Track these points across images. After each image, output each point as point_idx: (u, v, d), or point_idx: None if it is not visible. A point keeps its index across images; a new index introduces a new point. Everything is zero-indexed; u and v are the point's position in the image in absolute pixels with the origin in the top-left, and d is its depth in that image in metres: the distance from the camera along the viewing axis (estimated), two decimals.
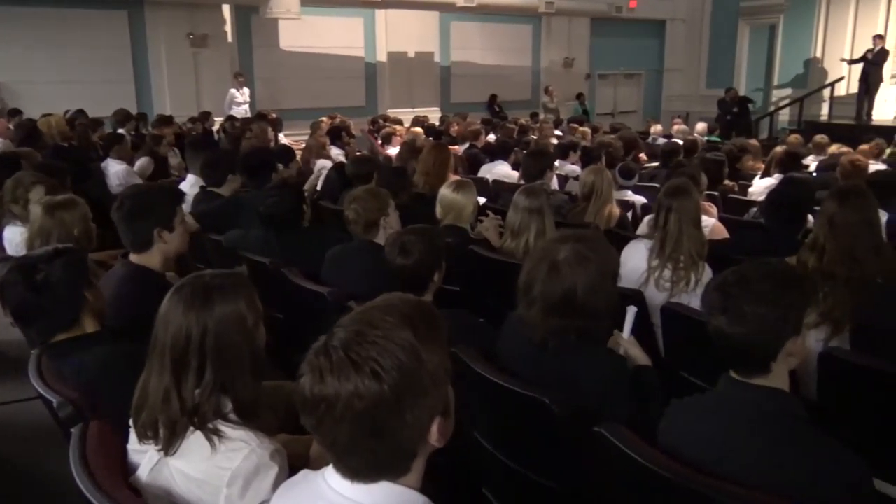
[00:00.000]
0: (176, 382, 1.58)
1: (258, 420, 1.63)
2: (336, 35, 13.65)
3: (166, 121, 8.72)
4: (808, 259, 2.67)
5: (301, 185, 4.87)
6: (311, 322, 2.78)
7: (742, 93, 15.41)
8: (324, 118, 9.86)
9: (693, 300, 2.82)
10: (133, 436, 1.65)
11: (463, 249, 3.45)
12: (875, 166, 6.20)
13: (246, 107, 11.92)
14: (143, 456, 1.63)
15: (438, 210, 3.75)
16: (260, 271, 3.16)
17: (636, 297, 2.88)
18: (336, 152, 7.48)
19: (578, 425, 1.76)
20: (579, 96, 16.16)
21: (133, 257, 2.60)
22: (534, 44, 16.65)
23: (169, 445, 1.56)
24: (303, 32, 13.09)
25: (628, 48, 17.49)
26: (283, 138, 9.93)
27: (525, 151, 6.21)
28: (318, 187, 5.96)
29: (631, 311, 2.25)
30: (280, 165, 5.14)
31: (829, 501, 1.44)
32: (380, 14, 14.21)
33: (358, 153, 7.08)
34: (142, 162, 6.84)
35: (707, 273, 2.94)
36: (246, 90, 12.11)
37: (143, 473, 1.61)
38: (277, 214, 3.44)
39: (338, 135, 7.98)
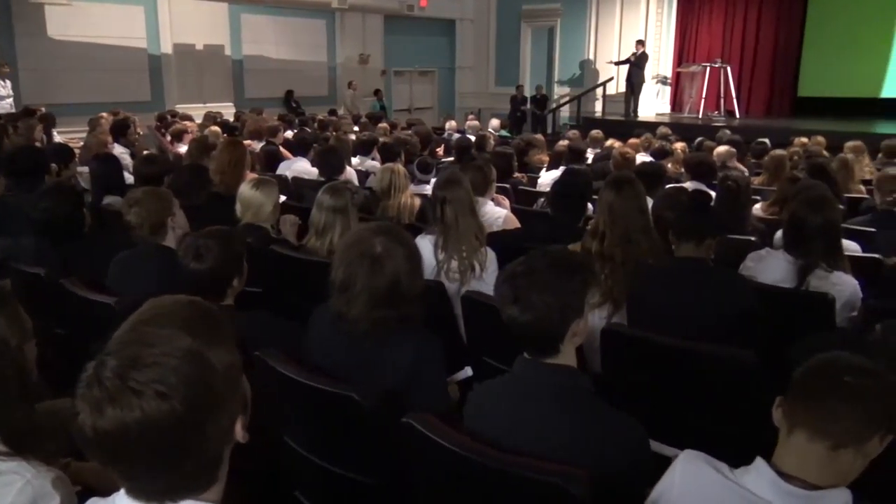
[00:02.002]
0: None
1: (35, 448, 1.47)
2: (114, 24, 12.60)
3: None
4: (591, 244, 2.91)
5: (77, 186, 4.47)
6: (99, 335, 2.56)
7: (528, 92, 16.51)
8: (104, 114, 9.09)
9: (482, 286, 2.95)
10: None
11: (263, 249, 3.35)
12: (642, 158, 6.90)
13: (10, 101, 10.67)
14: None
15: (238, 208, 3.62)
16: (34, 283, 2.85)
17: (437, 287, 2.97)
18: (120, 151, 6.92)
19: (388, 417, 1.79)
20: (377, 92, 16.33)
21: None
22: (329, 39, 16.53)
23: None
24: (74, 20, 11.96)
25: (421, 46, 17.93)
26: (57, 136, 9.02)
27: (320, 148, 6.18)
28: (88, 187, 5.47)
29: (466, 372, 2.35)
30: (54, 166, 4.67)
31: (615, 464, 1.58)
32: (162, 3, 13.35)
33: (146, 151, 6.62)
34: None
35: (490, 258, 3.08)
36: (8, 83, 10.83)
37: None
38: (53, 220, 3.12)
39: (122, 132, 7.41)
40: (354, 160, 6.85)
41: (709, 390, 2.33)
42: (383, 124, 10.17)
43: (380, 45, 17.09)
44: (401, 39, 17.34)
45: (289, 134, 8.85)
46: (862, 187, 5.78)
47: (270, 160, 6.68)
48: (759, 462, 1.40)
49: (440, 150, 8.74)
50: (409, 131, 8.81)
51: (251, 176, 4.50)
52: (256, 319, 2.36)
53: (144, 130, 9.07)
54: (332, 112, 13.19)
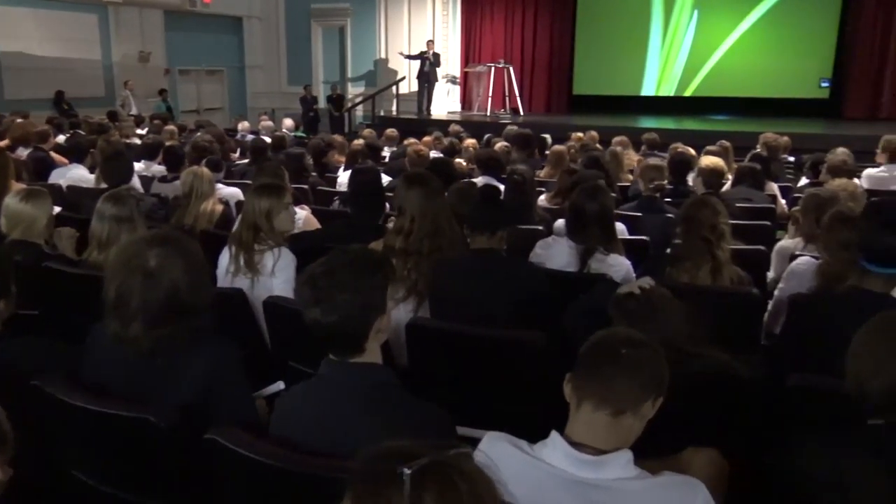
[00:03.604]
0: None
1: None
2: None
3: None
4: (395, 241, 2.96)
5: None
6: None
7: (320, 91, 16.42)
8: None
9: (274, 283, 2.95)
10: None
11: (37, 267, 3.04)
12: (435, 155, 7.15)
13: None
14: None
15: (3, 224, 3.25)
16: None
17: (237, 294, 2.88)
18: None
19: (189, 436, 1.70)
20: (161, 92, 15.37)
21: None
22: (102, 35, 15.24)
23: None
24: None
25: (207, 43, 17.13)
26: None
27: (104, 153, 5.71)
28: None
29: (278, 385, 2.31)
30: None
31: None
32: None
33: None
34: None
35: (285, 258, 3.05)
36: None
37: None
38: None
39: None
40: (139, 165, 6.40)
41: (508, 373, 2.47)
42: (170, 126, 9.60)
43: (161, 43, 16.08)
44: (185, 36, 16.44)
45: (61, 138, 8.09)
46: (630, 176, 6.40)
47: (40, 168, 6.07)
48: (554, 435, 1.51)
49: (235, 154, 8.44)
50: (200, 133, 8.41)
51: (17, 186, 4.05)
52: (29, 346, 2.13)
53: None
54: (112, 114, 12.22)
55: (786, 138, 7.85)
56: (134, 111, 13.71)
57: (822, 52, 14.30)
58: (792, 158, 7.85)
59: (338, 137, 8.87)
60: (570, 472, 1.44)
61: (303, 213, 4.19)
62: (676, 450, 1.92)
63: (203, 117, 14.11)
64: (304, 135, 11.64)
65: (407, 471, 0.92)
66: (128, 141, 8.53)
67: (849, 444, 1.47)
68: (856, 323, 1.55)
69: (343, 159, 7.39)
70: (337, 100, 16.19)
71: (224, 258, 3.10)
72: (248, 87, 18.20)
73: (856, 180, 5.33)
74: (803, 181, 6.23)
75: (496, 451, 1.53)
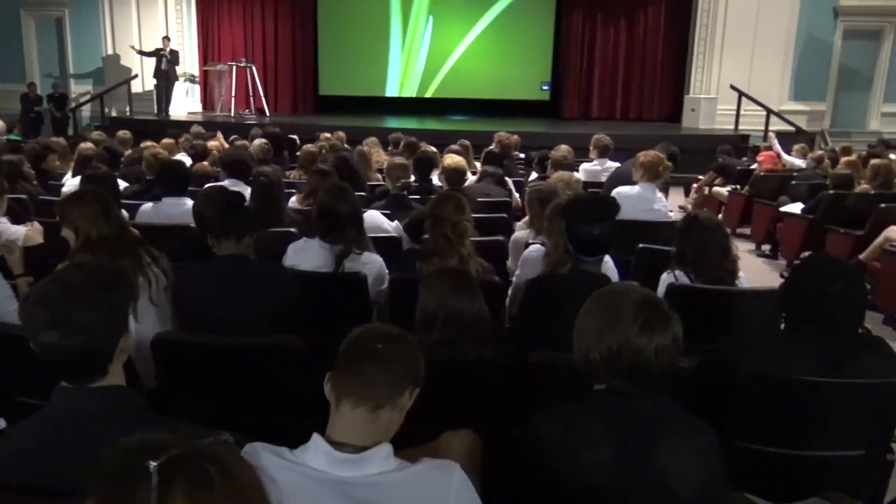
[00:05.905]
0: None
1: None
2: None
3: None
4: (84, 257, 2.77)
5: None
6: None
7: (40, 90, 14.74)
8: None
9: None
10: None
11: None
12: (183, 158, 6.80)
13: None
14: None
15: None
16: None
17: None
18: None
19: None
20: None
21: None
22: None
23: None
24: None
25: None
26: None
27: None
28: None
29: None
30: None
31: None
32: None
33: None
34: None
35: None
36: None
37: None
38: None
39: None
40: None
41: (267, 380, 2.42)
42: None
43: None
44: None
45: None
46: (378, 175, 6.57)
47: None
48: (315, 437, 1.50)
49: None
50: None
51: None
52: None
53: None
54: None
55: (516, 137, 8.55)
56: None
57: (541, 58, 15.79)
58: (522, 155, 8.59)
59: (59, 140, 8.01)
60: (332, 473, 1.44)
61: (21, 230, 3.71)
62: (434, 435, 2.02)
63: None
64: (19, 138, 10.34)
65: (153, 463, 0.86)
66: None
67: (578, 409, 1.66)
68: (578, 301, 1.74)
69: (65, 164, 6.71)
70: (59, 99, 14.63)
71: None
72: None
73: (575, 173, 5.99)
74: (533, 176, 6.85)
75: (254, 460, 1.50)
